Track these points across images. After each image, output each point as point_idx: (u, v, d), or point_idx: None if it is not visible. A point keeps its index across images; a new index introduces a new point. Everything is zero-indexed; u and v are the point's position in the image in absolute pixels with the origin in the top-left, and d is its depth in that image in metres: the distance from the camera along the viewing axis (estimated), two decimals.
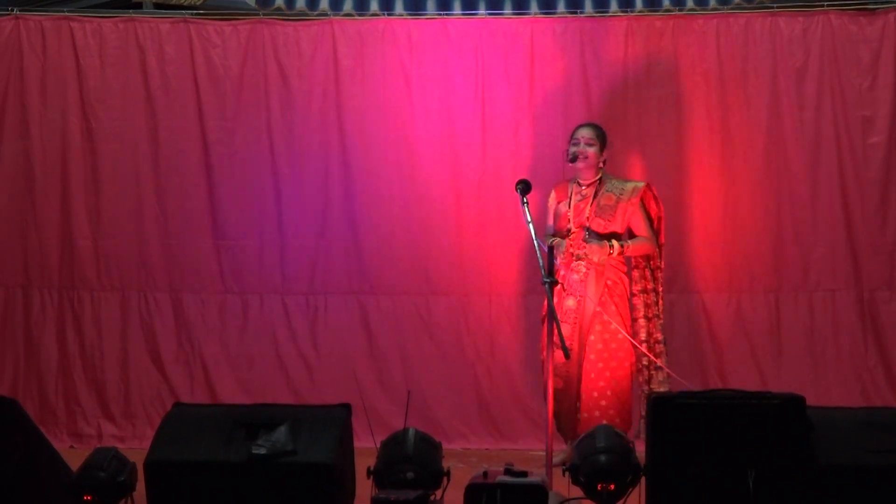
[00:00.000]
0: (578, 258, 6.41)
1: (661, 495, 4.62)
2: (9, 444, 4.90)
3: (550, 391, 5.43)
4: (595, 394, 6.33)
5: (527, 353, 7.22)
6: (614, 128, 7.31)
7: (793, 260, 7.33)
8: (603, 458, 4.71)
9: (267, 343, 7.50)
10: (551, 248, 5.72)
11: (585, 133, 6.54)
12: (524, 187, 6.02)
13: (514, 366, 7.34)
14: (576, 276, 6.42)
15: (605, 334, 6.36)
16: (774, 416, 4.66)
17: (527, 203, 5.93)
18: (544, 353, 6.55)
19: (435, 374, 7.41)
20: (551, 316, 5.42)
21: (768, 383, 7.10)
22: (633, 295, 6.51)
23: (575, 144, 6.51)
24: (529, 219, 5.78)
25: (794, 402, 4.71)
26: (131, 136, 7.49)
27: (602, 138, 6.55)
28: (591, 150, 6.48)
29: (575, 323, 6.39)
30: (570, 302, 6.40)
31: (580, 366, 6.35)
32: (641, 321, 6.50)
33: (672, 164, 7.33)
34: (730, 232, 7.32)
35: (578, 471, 4.74)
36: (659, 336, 6.52)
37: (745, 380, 7.05)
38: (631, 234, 6.51)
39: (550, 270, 5.54)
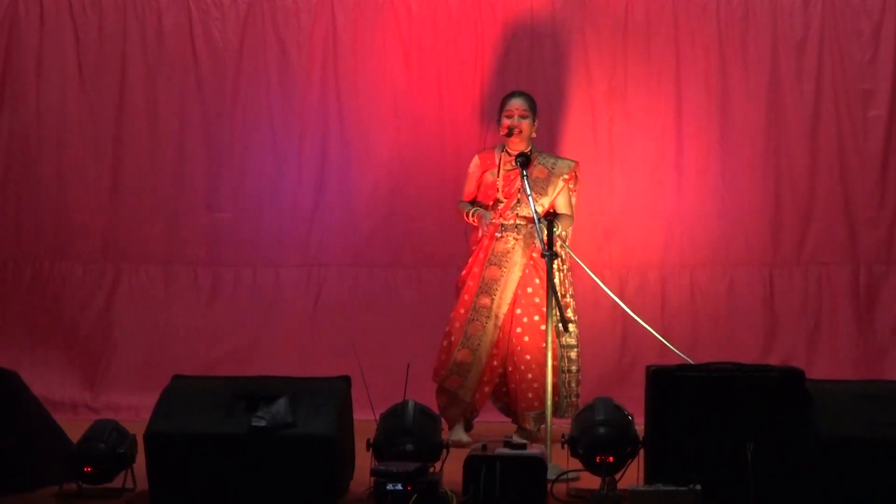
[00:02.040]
0: (505, 228, 6.24)
1: (660, 467, 4.63)
2: (9, 416, 4.92)
3: (550, 364, 5.41)
4: (522, 367, 6.18)
5: None
6: (613, 101, 7.32)
7: (790, 233, 7.32)
8: (602, 430, 4.73)
9: (264, 316, 7.49)
10: (548, 221, 5.62)
11: (519, 104, 6.25)
12: (524, 160, 6.01)
13: None
14: (502, 247, 6.24)
15: (528, 307, 6.20)
16: (773, 389, 4.67)
17: (526, 176, 5.92)
18: (457, 323, 6.29)
19: (434, 346, 7.40)
20: (551, 289, 5.40)
21: (763, 357, 7.10)
22: (558, 270, 6.33)
23: (509, 117, 6.24)
24: (529, 191, 5.77)
25: (793, 375, 4.73)
26: (130, 108, 7.46)
27: (534, 109, 6.31)
28: (526, 122, 6.23)
29: (498, 294, 6.21)
30: (494, 272, 6.22)
31: (510, 339, 6.21)
32: (566, 300, 6.31)
33: (671, 138, 7.32)
34: (728, 205, 7.31)
35: (577, 443, 4.76)
36: (571, 316, 6.32)
37: (739, 353, 7.02)
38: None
39: (550, 243, 5.53)
